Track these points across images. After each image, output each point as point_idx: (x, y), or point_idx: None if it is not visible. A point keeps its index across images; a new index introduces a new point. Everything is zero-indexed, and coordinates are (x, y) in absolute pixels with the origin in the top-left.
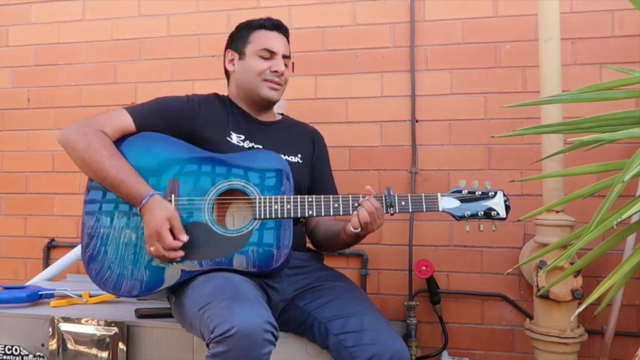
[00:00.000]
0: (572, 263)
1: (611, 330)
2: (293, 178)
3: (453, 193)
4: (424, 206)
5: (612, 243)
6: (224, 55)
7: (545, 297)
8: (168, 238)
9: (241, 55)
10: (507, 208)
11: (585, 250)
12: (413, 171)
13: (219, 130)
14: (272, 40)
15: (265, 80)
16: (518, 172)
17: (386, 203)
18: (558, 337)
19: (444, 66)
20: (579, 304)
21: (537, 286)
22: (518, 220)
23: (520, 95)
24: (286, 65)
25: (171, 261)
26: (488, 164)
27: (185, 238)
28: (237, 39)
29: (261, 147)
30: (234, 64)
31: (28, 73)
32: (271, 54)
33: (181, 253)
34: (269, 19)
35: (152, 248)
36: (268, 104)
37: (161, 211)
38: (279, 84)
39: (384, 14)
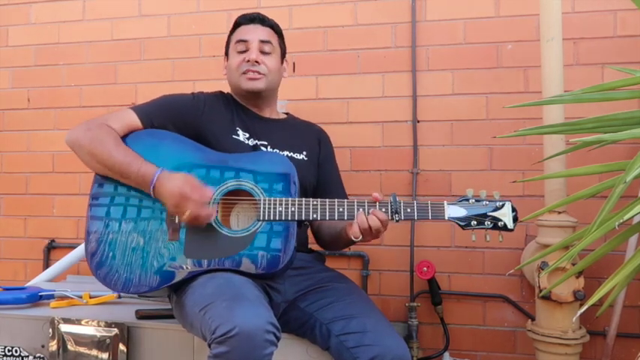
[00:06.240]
0: (574, 264)
1: (613, 331)
2: (298, 175)
3: (460, 201)
4: (430, 214)
5: (614, 244)
6: None
7: (547, 298)
8: (202, 187)
9: (227, 57)
10: (515, 219)
11: (587, 251)
12: (414, 171)
13: (225, 127)
14: (245, 31)
15: (243, 73)
16: (520, 173)
17: (391, 210)
18: (560, 338)
19: (445, 66)
20: (581, 305)
21: (539, 287)
22: (520, 221)
23: (522, 95)
24: (266, 52)
25: (208, 218)
26: (490, 165)
27: (212, 188)
28: (226, 44)
29: (266, 143)
30: (225, 69)
31: (28, 73)
32: (245, 43)
33: (215, 211)
34: (244, 15)
35: (188, 212)
36: (257, 96)
37: (179, 175)
38: (256, 72)
39: (385, 14)
